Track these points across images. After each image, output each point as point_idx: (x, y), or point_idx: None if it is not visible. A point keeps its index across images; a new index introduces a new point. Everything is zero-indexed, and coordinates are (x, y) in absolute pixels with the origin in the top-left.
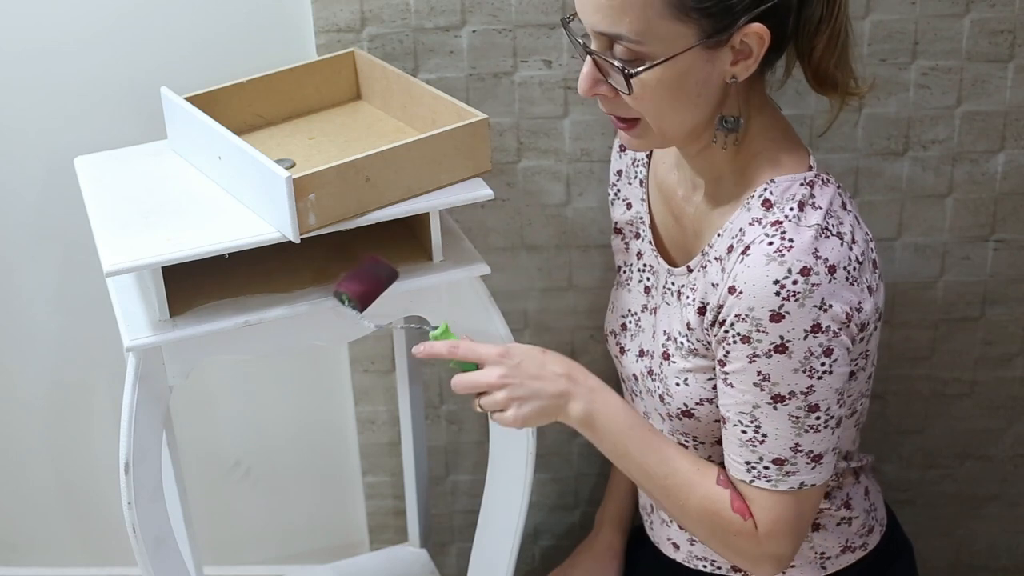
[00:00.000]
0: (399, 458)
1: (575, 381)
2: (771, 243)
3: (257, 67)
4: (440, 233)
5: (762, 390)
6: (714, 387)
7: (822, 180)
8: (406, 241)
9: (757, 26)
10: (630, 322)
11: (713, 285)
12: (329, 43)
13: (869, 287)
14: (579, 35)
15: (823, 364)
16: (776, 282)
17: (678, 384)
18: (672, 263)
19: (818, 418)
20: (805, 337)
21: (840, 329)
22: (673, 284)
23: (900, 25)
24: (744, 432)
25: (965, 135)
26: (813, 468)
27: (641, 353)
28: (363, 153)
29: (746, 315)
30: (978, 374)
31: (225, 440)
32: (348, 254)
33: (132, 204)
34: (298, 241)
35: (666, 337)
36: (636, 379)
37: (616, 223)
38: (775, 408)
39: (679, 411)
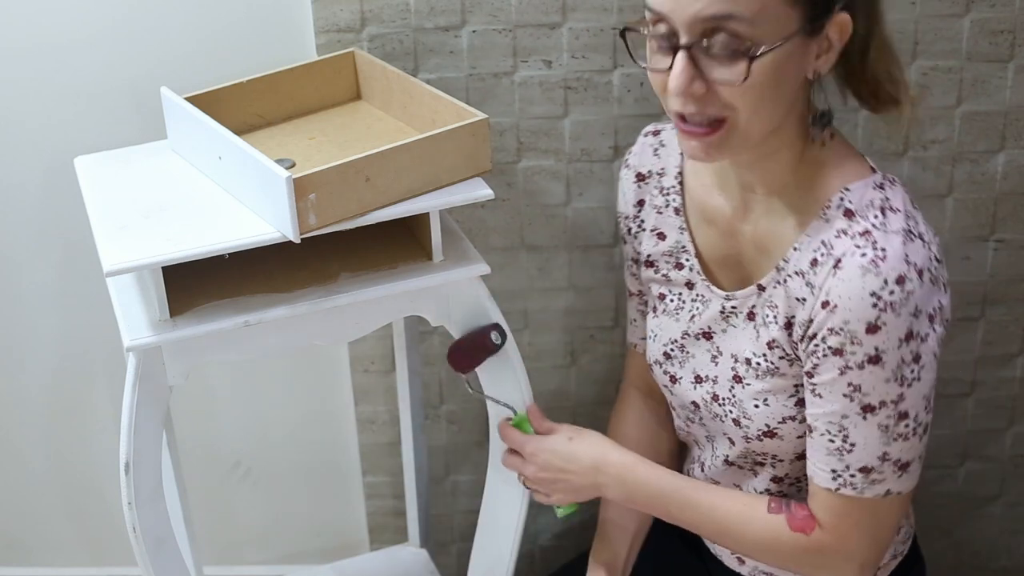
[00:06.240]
0: (399, 458)
1: (603, 471)
2: (864, 254)
3: (257, 67)
4: (440, 233)
5: (852, 400)
6: (795, 404)
7: (889, 181)
8: (406, 241)
9: (844, 16)
10: (673, 350)
11: (798, 299)
12: (329, 43)
13: (945, 284)
14: (657, 35)
15: (912, 371)
16: (873, 294)
17: (757, 406)
18: (719, 286)
19: (907, 426)
20: (899, 346)
21: (928, 334)
22: (735, 307)
23: (900, 25)
24: (832, 441)
25: (965, 135)
26: (900, 476)
27: (698, 379)
28: (363, 153)
29: (840, 328)
30: (978, 374)
31: (225, 440)
32: (351, 255)
33: (132, 204)
34: (298, 241)
35: (735, 360)
36: (696, 407)
37: (649, 256)
38: (864, 418)
39: (760, 432)
